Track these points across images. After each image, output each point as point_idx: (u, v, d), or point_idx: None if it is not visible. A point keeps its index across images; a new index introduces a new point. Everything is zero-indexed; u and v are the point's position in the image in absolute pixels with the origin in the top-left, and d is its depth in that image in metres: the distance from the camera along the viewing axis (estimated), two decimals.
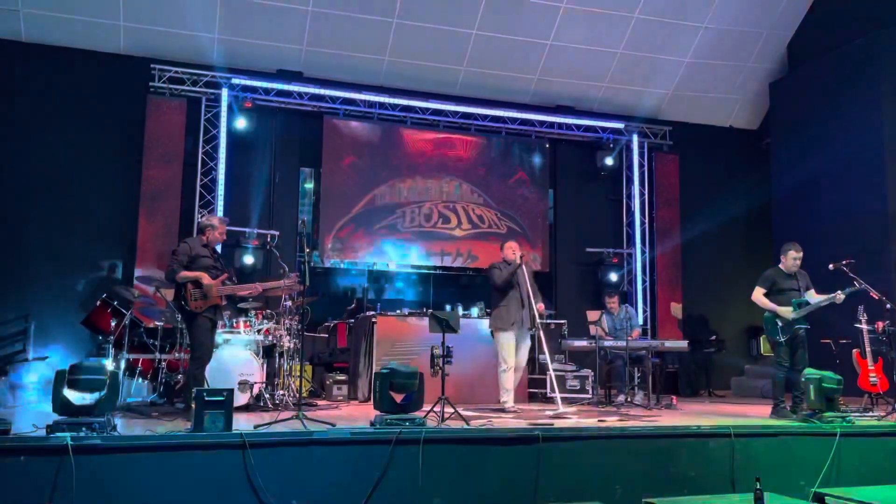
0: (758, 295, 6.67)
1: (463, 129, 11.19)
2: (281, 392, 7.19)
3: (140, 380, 7.11)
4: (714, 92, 11.94)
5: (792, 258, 6.66)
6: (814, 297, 6.54)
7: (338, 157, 10.51)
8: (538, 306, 7.08)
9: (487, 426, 5.34)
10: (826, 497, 4.42)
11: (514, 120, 11.28)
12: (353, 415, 6.47)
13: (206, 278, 5.81)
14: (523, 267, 7.10)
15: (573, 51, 10.87)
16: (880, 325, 7.26)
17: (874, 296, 6.68)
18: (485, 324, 8.39)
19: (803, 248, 6.70)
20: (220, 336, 7.09)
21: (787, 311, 6.45)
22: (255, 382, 6.72)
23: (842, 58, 10.30)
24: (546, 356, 7.44)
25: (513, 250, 7.24)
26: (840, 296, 6.35)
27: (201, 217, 6.15)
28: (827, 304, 6.41)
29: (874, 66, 9.78)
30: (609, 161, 11.60)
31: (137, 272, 9.02)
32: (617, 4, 10.44)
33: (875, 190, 9.54)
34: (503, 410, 6.81)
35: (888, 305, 6.83)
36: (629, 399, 8.04)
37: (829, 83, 10.46)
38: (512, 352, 7.01)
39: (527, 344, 7.22)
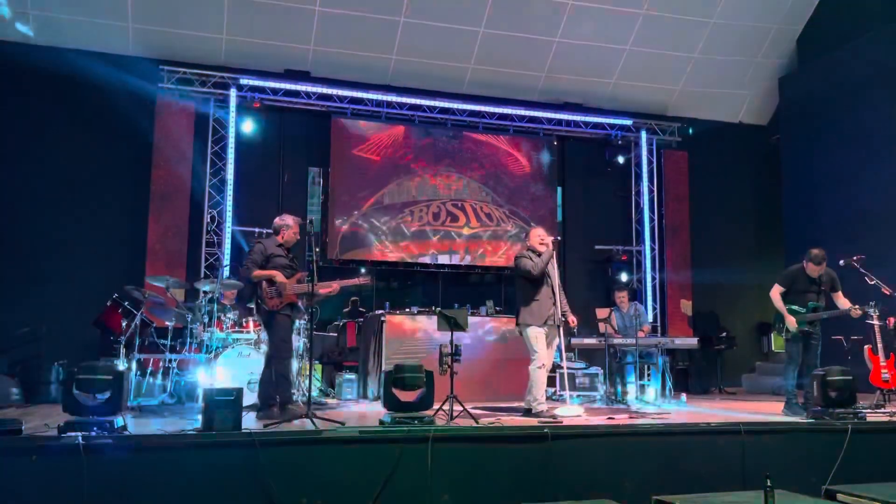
0: (774, 293, 6.54)
1: (471, 126, 11.18)
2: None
3: (151, 379, 7.14)
4: (723, 87, 11.87)
5: (812, 269, 6.44)
6: (840, 301, 6.44)
7: (346, 156, 10.52)
8: (570, 319, 6.54)
9: (496, 424, 5.34)
10: (837, 493, 4.38)
11: (521, 117, 11.26)
12: (363, 413, 6.48)
13: (279, 276, 5.93)
14: (554, 256, 6.46)
15: (581, 47, 10.83)
16: (892, 320, 7.20)
17: (886, 292, 6.61)
18: (493, 322, 8.41)
19: (814, 244, 6.56)
20: (230, 336, 7.14)
21: (791, 322, 6.35)
22: None
23: (852, 52, 10.22)
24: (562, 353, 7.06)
25: (541, 238, 6.51)
26: (857, 311, 6.24)
27: (276, 218, 6.28)
28: (840, 315, 6.33)
29: (885, 60, 9.69)
30: (618, 158, 11.57)
31: (147, 272, 9.05)
32: (625, 0, 10.39)
33: (887, 185, 9.47)
34: (537, 415, 5.97)
35: None
36: (638, 396, 8.00)
37: (839, 77, 10.38)
38: (545, 347, 6.32)
39: (555, 341, 6.52)
